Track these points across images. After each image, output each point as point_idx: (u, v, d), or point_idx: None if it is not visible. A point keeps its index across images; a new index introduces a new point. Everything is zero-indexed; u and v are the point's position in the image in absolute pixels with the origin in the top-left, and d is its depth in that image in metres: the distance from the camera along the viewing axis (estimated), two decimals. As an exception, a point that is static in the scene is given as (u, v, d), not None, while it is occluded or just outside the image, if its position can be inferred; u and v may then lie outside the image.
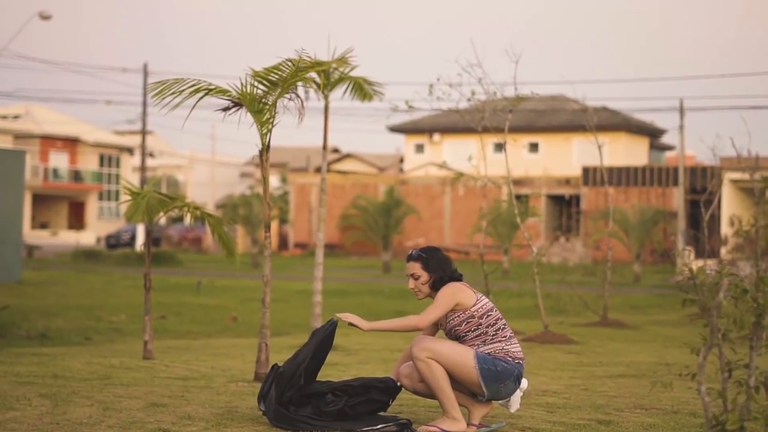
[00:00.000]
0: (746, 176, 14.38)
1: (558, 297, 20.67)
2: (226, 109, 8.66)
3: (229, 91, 8.57)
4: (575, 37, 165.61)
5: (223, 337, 15.74)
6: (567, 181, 50.93)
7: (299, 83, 8.71)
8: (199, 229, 56.08)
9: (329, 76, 12.27)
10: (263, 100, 8.56)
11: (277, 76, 8.49)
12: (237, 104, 8.61)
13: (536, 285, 15.07)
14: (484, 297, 6.50)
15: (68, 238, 62.85)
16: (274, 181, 63.74)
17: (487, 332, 6.40)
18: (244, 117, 8.66)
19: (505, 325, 6.49)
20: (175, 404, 7.33)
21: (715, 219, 34.19)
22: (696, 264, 5.19)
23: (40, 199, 69.84)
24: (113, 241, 57.81)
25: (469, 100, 16.05)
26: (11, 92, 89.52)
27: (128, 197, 10.34)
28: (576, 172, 50.99)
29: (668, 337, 15.38)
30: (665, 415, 7.36)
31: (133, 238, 55.05)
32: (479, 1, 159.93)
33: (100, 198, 73.40)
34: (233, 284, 27.59)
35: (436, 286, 6.49)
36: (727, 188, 35.71)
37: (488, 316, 6.41)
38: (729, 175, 33.75)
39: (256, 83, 8.51)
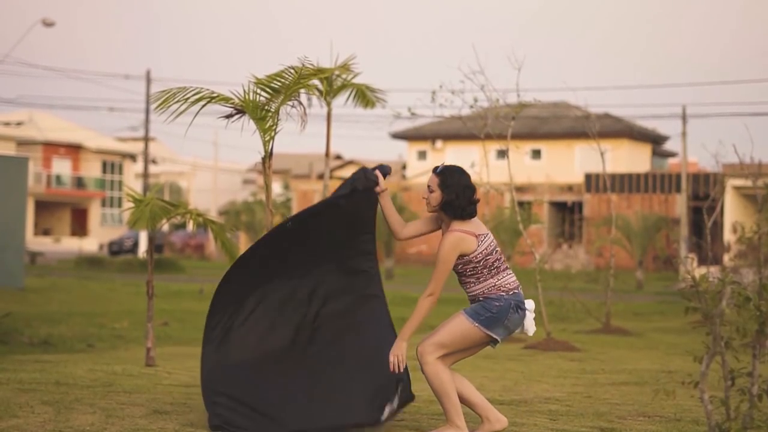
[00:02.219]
0: (749, 183, 14.37)
1: (560, 304, 20.65)
2: (229, 117, 8.67)
3: (231, 99, 8.57)
4: (577, 44, 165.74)
5: (225, 343, 15.69)
6: (569, 188, 50.92)
7: (302, 90, 8.71)
8: (201, 236, 56.12)
9: (332, 83, 12.26)
10: (266, 107, 8.56)
11: (279, 84, 8.50)
12: (240, 111, 8.61)
13: (539, 292, 15.06)
14: (487, 237, 6.35)
15: (71, 244, 62.91)
16: (276, 187, 63.75)
17: (482, 272, 6.32)
18: (247, 124, 8.67)
19: (500, 261, 6.37)
20: (177, 411, 7.32)
21: (718, 226, 34.16)
22: (699, 271, 5.19)
23: (43, 206, 69.93)
24: (116, 248, 57.85)
25: (471, 107, 16.06)
26: (14, 99, 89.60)
27: (131, 204, 10.35)
28: (578, 178, 51.00)
29: (671, 344, 15.36)
30: (668, 423, 7.35)
31: (135, 244, 55.12)
32: (481, 7, 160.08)
33: (103, 205, 73.49)
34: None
35: (444, 208, 6.35)
36: (730, 195, 35.72)
37: (486, 259, 6.31)
38: (731, 182, 33.75)
39: (258, 90, 8.52)
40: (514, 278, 6.41)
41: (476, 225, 6.38)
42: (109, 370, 10.01)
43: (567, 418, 7.46)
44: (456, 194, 6.30)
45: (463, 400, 6.43)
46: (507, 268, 6.41)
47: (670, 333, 17.70)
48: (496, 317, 6.26)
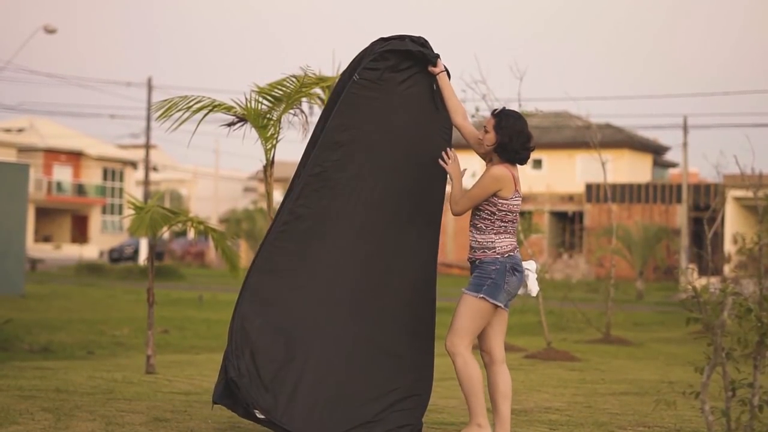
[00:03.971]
0: (750, 194, 14.37)
1: (561, 314, 20.63)
2: (230, 125, 8.68)
3: (233, 107, 8.59)
4: (579, 54, 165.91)
5: (225, 351, 15.67)
6: (570, 198, 50.92)
7: (303, 99, 8.72)
8: (202, 244, 56.10)
9: (333, 91, 12.26)
10: (268, 115, 8.58)
11: (281, 92, 8.51)
12: (241, 120, 8.63)
13: (539, 301, 15.05)
14: (519, 198, 6.41)
15: (71, 251, 62.86)
16: (278, 195, 63.73)
17: (494, 222, 6.35)
18: (249, 132, 8.68)
19: (513, 225, 6.40)
20: (177, 419, 7.32)
21: (719, 236, 34.14)
22: (699, 282, 5.19)
23: (44, 213, 69.90)
24: (116, 255, 57.81)
25: (473, 116, 16.07)
26: (15, 105, 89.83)
27: (132, 211, 10.34)
28: (579, 188, 51.00)
29: (671, 354, 15.35)
30: (668, 434, 7.34)
31: (136, 251, 55.08)
32: (483, 17, 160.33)
33: (104, 212, 73.45)
34: (236, 299, 27.50)
35: (498, 150, 6.38)
36: (731, 206, 35.69)
37: (505, 214, 6.36)
38: (732, 193, 33.71)
39: (260, 99, 8.53)
40: (513, 242, 6.41)
41: (519, 178, 6.45)
42: (109, 377, 10.01)
43: (567, 428, 7.45)
44: (510, 137, 6.35)
45: (493, 402, 6.43)
46: (513, 235, 6.43)
47: (671, 343, 17.69)
48: (496, 283, 6.29)
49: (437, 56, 6.72)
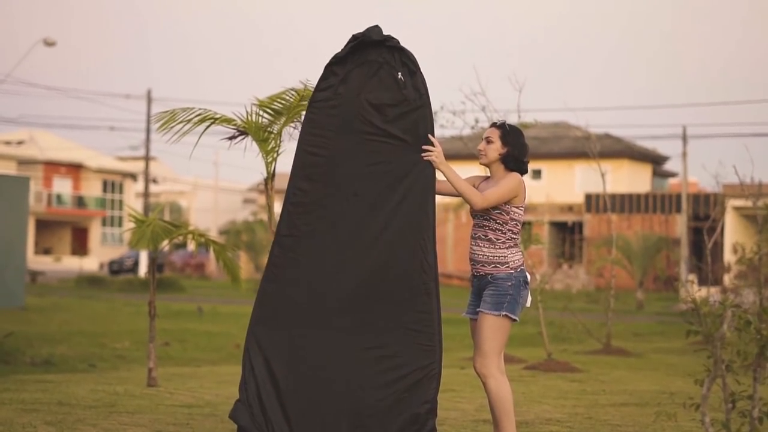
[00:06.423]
0: (749, 203, 14.41)
1: (561, 324, 20.64)
2: (231, 138, 8.70)
3: (234, 120, 8.60)
4: (577, 64, 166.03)
5: (227, 364, 15.72)
6: (570, 208, 50.96)
7: (303, 112, 8.74)
8: (202, 256, 56.09)
9: (333, 104, 12.28)
10: (268, 128, 8.59)
11: (281, 105, 8.53)
12: (242, 133, 8.64)
13: (539, 312, 15.07)
14: (524, 207, 6.48)
15: (71, 263, 62.86)
16: (278, 207, 63.48)
17: (504, 234, 6.38)
18: (250, 145, 8.70)
19: (518, 237, 6.47)
20: (179, 432, 7.33)
21: (718, 246, 34.17)
22: (699, 293, 5.22)
23: (44, 225, 69.91)
24: (116, 267, 57.78)
25: (472, 127, 16.14)
26: (15, 118, 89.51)
27: (132, 224, 10.36)
28: (579, 199, 51.04)
29: (671, 365, 15.36)
30: (669, 445, 7.36)
31: (136, 263, 55.07)
32: (482, 29, 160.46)
33: (104, 224, 73.46)
34: (237, 310, 27.52)
35: (505, 160, 6.44)
36: (730, 215, 35.73)
37: (515, 224, 6.41)
38: (732, 203, 33.76)
39: (260, 112, 8.55)
40: (522, 256, 6.48)
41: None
42: (111, 390, 10.01)
43: (568, 440, 7.46)
44: (517, 149, 6.44)
45: (494, 416, 6.44)
46: (516, 245, 6.46)
47: (671, 354, 17.70)
48: (514, 298, 6.35)
49: (378, 29, 6.66)
